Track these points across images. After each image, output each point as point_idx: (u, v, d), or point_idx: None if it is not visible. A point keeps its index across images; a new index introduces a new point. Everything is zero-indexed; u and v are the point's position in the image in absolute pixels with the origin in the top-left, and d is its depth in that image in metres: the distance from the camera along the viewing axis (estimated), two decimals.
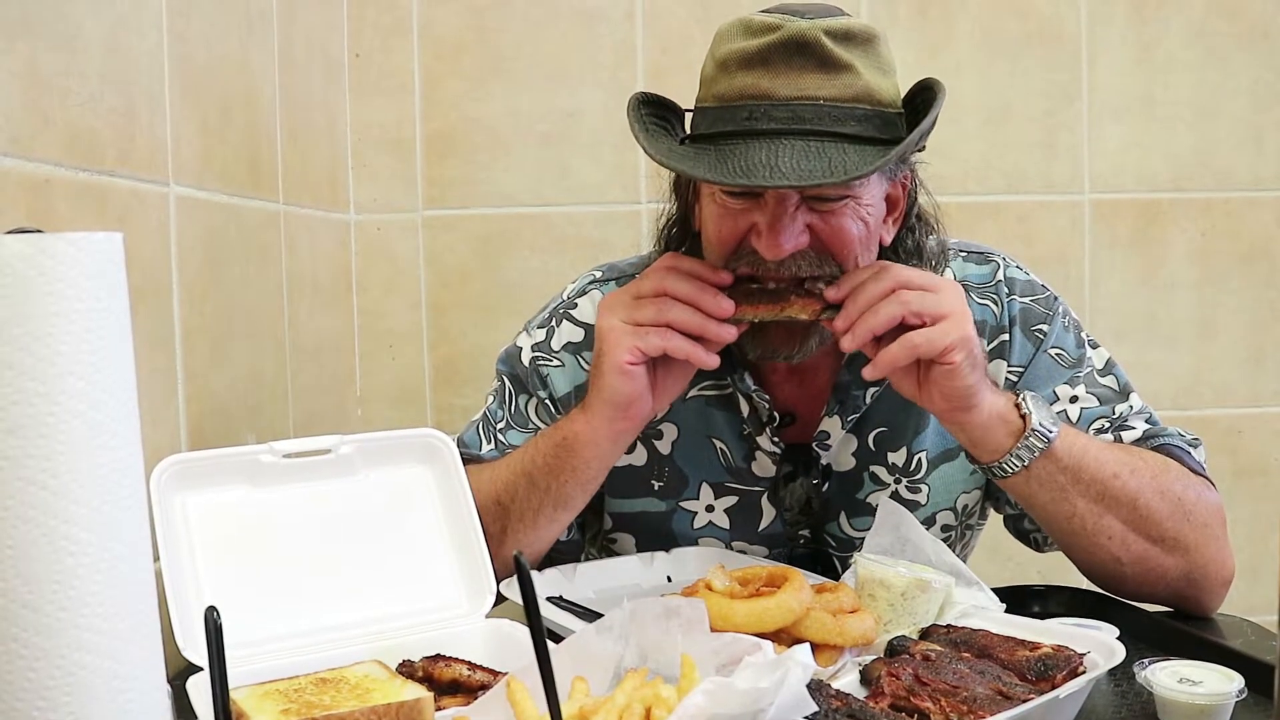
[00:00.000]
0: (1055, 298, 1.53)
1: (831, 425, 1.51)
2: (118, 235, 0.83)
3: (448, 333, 2.32)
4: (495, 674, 1.11)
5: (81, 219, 1.17)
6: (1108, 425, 1.46)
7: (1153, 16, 2.38)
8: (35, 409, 0.77)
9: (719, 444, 1.54)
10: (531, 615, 0.83)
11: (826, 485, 1.52)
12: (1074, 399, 1.47)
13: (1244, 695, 1.05)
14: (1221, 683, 1.07)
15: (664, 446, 1.55)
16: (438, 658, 1.13)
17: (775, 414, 1.51)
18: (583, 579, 1.42)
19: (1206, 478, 1.44)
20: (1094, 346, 1.52)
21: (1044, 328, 1.50)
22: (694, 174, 1.30)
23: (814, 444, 1.52)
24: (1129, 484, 1.33)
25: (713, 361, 1.31)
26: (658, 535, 1.56)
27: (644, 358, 1.31)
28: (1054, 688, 1.04)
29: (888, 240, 1.44)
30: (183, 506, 1.17)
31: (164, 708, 0.89)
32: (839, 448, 1.52)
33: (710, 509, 1.55)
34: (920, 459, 1.52)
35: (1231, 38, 2.39)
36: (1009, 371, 1.49)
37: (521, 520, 1.37)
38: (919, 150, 1.39)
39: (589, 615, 1.29)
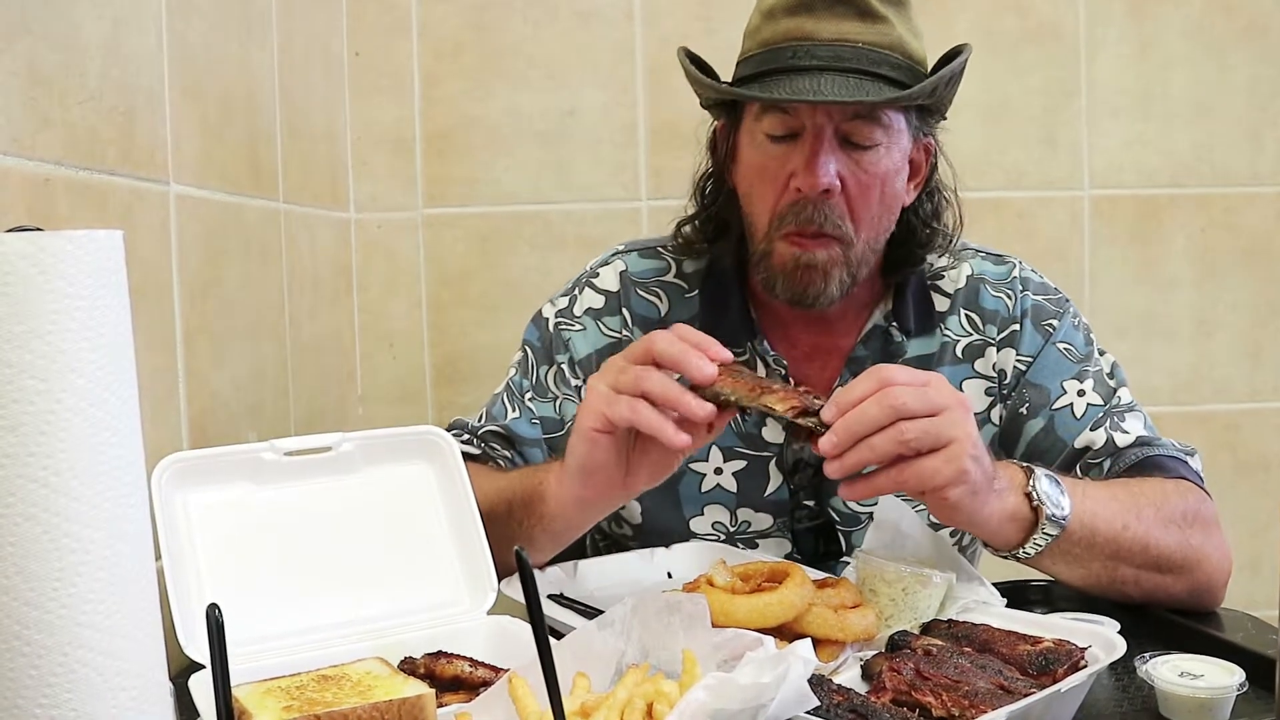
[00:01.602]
0: (1067, 300, 1.59)
1: None
2: (118, 233, 0.84)
3: (448, 331, 2.32)
4: (497, 671, 1.11)
5: (82, 218, 1.17)
6: (1103, 418, 1.48)
7: (1151, 13, 2.38)
8: (36, 406, 0.77)
9: None
10: (533, 611, 0.83)
11: None
12: (1081, 393, 1.50)
13: (1245, 689, 1.05)
14: (1222, 676, 1.07)
15: None
16: (439, 654, 1.13)
17: (790, 380, 1.54)
18: (584, 576, 1.42)
19: (1203, 488, 1.43)
20: (1102, 353, 1.56)
21: (1054, 322, 1.55)
22: (745, 95, 1.41)
23: None
24: (1138, 531, 1.31)
25: (681, 441, 1.18)
26: (665, 499, 1.56)
27: (611, 426, 1.22)
28: (1055, 682, 1.04)
29: (909, 202, 1.51)
30: (184, 504, 1.17)
31: (166, 705, 0.90)
32: None
33: (719, 471, 1.56)
34: None
35: (1230, 34, 2.39)
36: (1017, 360, 1.54)
37: (499, 544, 1.33)
38: (943, 118, 1.51)
39: (590, 612, 1.29)
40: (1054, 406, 1.51)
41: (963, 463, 1.14)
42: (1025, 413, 1.52)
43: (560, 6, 2.30)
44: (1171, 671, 1.08)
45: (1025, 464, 1.28)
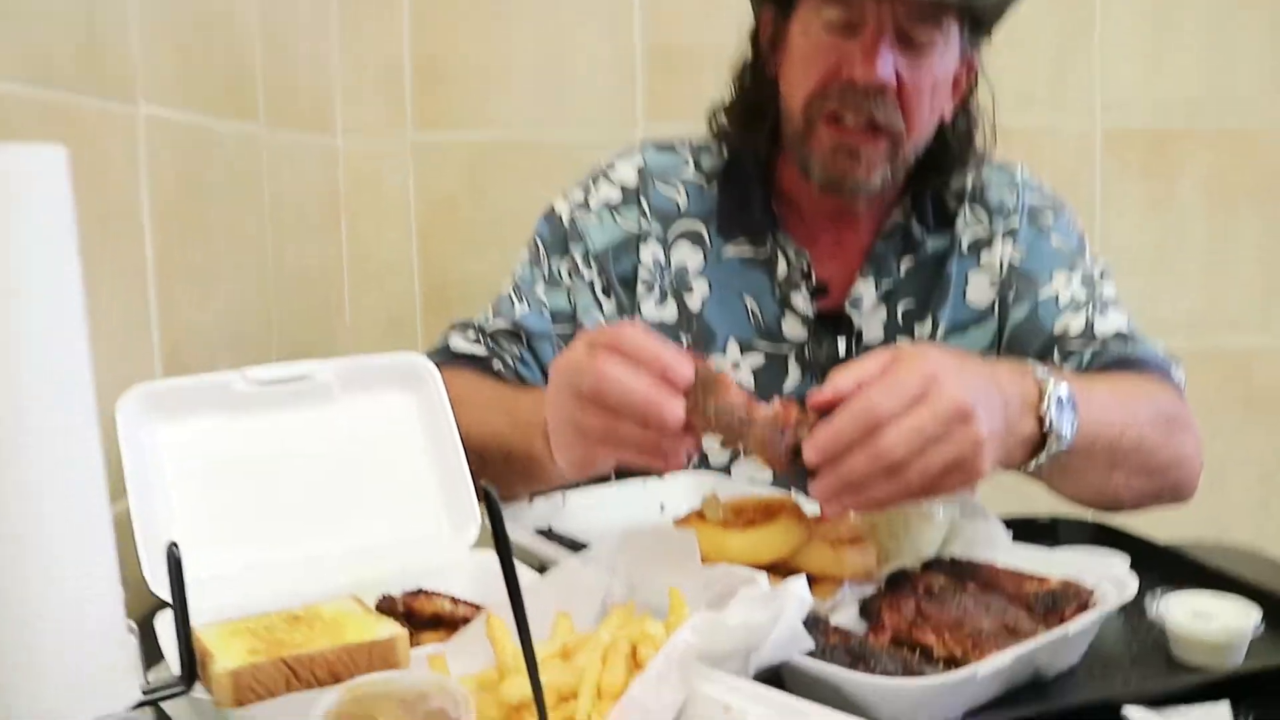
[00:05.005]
0: (1064, 203, 1.62)
1: (865, 290, 1.54)
2: (60, 148, 0.77)
3: (438, 260, 2.26)
4: (478, 608, 1.06)
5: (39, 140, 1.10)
6: (1085, 303, 1.49)
7: None
8: None
9: (750, 302, 1.55)
10: (503, 553, 0.78)
11: (855, 350, 1.54)
12: (1067, 282, 1.52)
13: (1261, 630, 1.01)
14: (1237, 617, 1.02)
15: (694, 303, 1.55)
16: (419, 592, 1.08)
17: (812, 273, 1.53)
18: (573, 508, 1.37)
19: (1182, 393, 1.43)
20: (1095, 258, 1.57)
21: (1050, 218, 1.58)
22: None
23: (847, 306, 1.54)
24: (1132, 434, 1.26)
25: (673, 468, 1.06)
26: None
27: (594, 464, 1.11)
28: (1063, 622, 0.99)
29: (949, 117, 1.52)
30: (151, 437, 1.11)
31: (127, 649, 0.85)
32: (870, 314, 1.55)
33: (736, 367, 1.55)
34: (941, 328, 1.56)
35: None
36: (1013, 252, 1.56)
37: (493, 482, 1.26)
38: (989, 37, 1.51)
39: (579, 548, 1.24)
40: (1039, 296, 1.52)
41: (977, 469, 1.02)
42: (1011, 300, 1.54)
43: None
44: (1184, 611, 1.03)
45: (1042, 373, 1.17)
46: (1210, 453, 1.38)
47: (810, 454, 0.99)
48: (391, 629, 0.91)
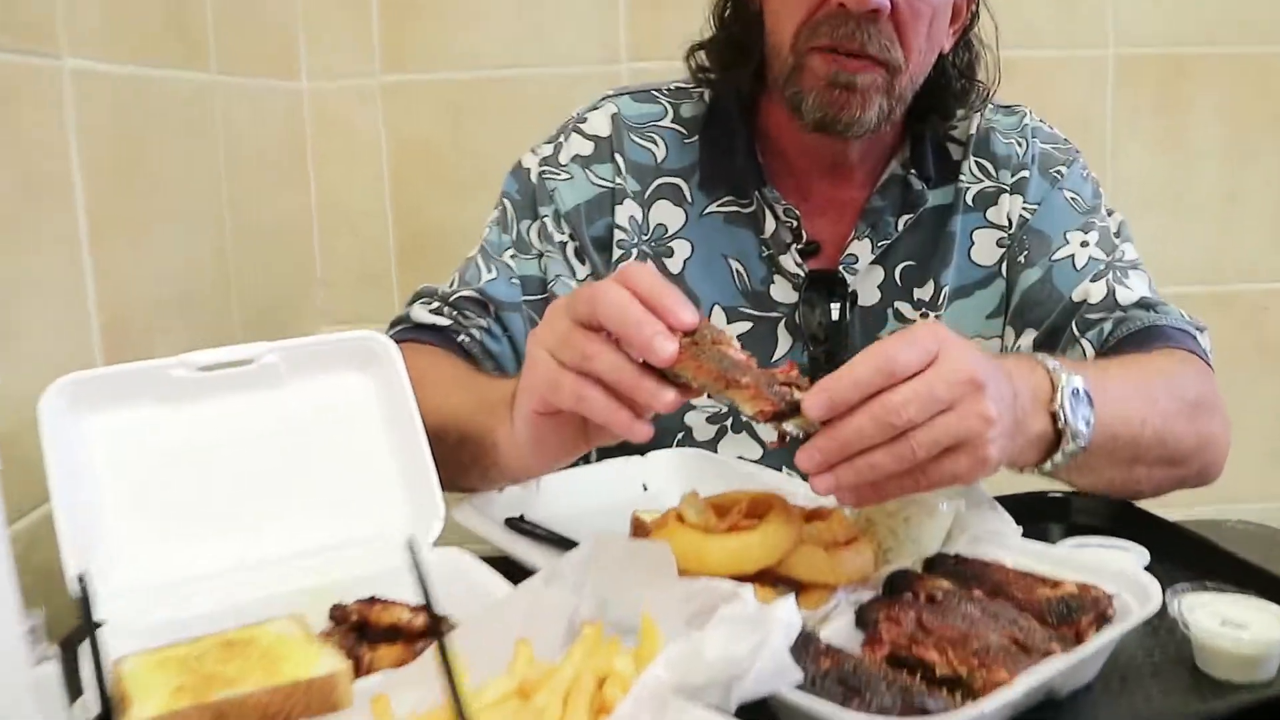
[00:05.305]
0: (1076, 150, 1.52)
1: (860, 249, 1.44)
2: None
3: (413, 208, 2.15)
4: (440, 617, 0.97)
5: None
6: (1105, 270, 1.39)
7: None
8: None
9: (735, 265, 1.45)
10: (428, 603, 0.70)
11: (850, 314, 1.44)
12: (1084, 244, 1.42)
13: None
14: (1270, 626, 0.92)
15: (674, 265, 1.45)
16: (373, 600, 0.99)
17: (802, 232, 1.43)
18: (548, 492, 1.26)
19: (1209, 365, 1.33)
20: (1110, 212, 1.47)
21: (1062, 169, 1.48)
22: None
23: (840, 267, 1.44)
24: (1155, 425, 1.17)
25: (639, 435, 0.95)
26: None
27: (555, 410, 1.01)
28: (1078, 633, 0.90)
29: (947, 48, 1.42)
30: (80, 433, 1.02)
31: (41, 690, 0.77)
32: (865, 275, 1.45)
33: None
34: (944, 291, 1.46)
35: None
36: (1024, 207, 1.46)
37: (445, 466, 1.15)
38: None
39: (552, 539, 1.16)
40: (1054, 257, 1.42)
41: (985, 453, 0.94)
42: (1023, 261, 1.45)
43: None
44: (1211, 619, 0.94)
45: (1053, 365, 1.08)
46: None
47: (812, 403, 0.90)
48: (332, 663, 0.82)
